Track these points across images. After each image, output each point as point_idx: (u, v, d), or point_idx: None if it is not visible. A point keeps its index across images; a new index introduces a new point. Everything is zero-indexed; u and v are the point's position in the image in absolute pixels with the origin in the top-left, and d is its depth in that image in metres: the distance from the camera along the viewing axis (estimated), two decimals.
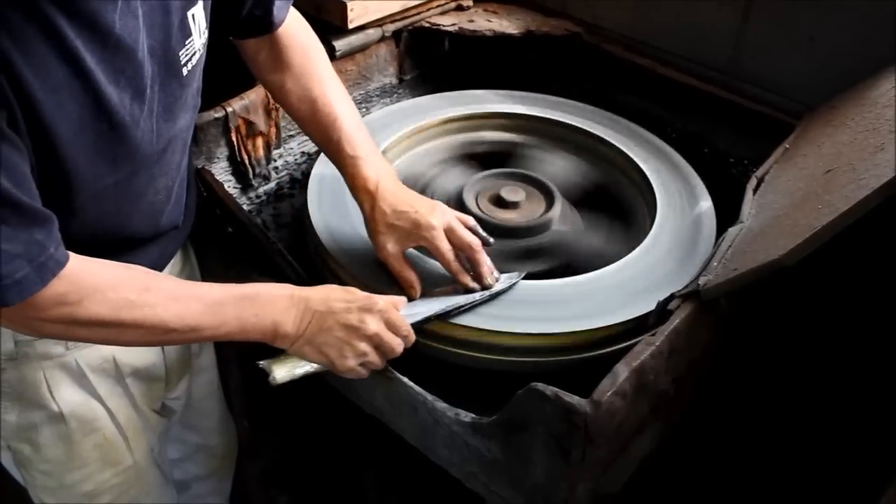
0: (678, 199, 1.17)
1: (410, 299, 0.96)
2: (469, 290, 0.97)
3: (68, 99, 0.73)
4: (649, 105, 1.42)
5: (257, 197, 1.33)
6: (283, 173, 1.37)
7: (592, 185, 1.26)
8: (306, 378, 0.89)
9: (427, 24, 1.49)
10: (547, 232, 1.15)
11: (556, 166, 1.29)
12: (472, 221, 1.01)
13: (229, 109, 1.23)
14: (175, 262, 1.10)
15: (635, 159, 1.24)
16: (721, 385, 1.12)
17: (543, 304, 0.99)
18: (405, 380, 0.90)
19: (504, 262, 1.05)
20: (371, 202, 0.98)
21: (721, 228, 1.09)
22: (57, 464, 1.05)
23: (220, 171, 1.27)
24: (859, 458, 1.14)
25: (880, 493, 0.87)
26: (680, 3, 1.37)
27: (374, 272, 1.02)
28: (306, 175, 1.23)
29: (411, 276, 0.98)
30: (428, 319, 0.93)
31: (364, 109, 1.47)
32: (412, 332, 0.90)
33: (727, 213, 1.07)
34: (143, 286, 0.82)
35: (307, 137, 1.38)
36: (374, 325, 0.87)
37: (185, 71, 0.88)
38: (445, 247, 0.96)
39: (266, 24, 1.02)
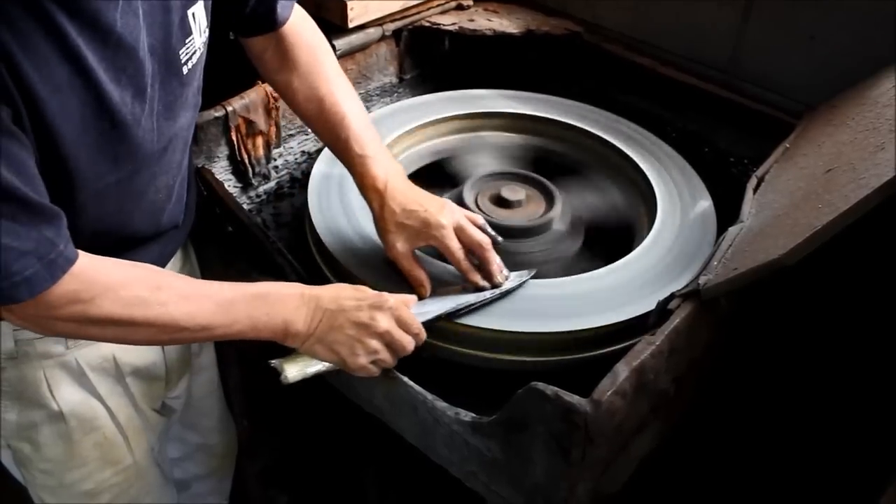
0: (678, 198, 1.17)
1: (420, 298, 0.96)
2: (479, 289, 0.97)
3: (70, 97, 0.73)
4: (649, 104, 1.42)
5: (257, 196, 1.33)
6: (283, 172, 1.37)
7: (592, 185, 1.26)
8: (317, 377, 0.89)
9: (427, 24, 1.49)
10: (547, 231, 1.15)
11: (556, 166, 1.29)
12: (481, 220, 1.01)
13: (229, 108, 1.23)
14: (175, 262, 1.10)
15: (635, 159, 1.24)
16: (721, 385, 1.12)
17: (543, 302, 0.99)
18: (405, 379, 0.90)
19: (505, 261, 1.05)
20: (380, 201, 0.98)
21: (721, 228, 1.09)
22: (57, 463, 1.05)
23: (220, 171, 1.27)
24: (859, 457, 1.14)
25: (880, 493, 0.87)
26: (680, 2, 1.37)
27: (374, 271, 1.02)
28: (306, 174, 1.23)
29: (421, 275, 0.98)
30: (438, 318, 0.93)
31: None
32: (423, 330, 0.90)
33: (727, 213, 1.07)
34: (154, 284, 0.82)
35: (307, 136, 1.38)
36: (385, 322, 0.87)
37: (185, 69, 0.88)
38: (455, 246, 0.96)
39: (270, 22, 1.01)
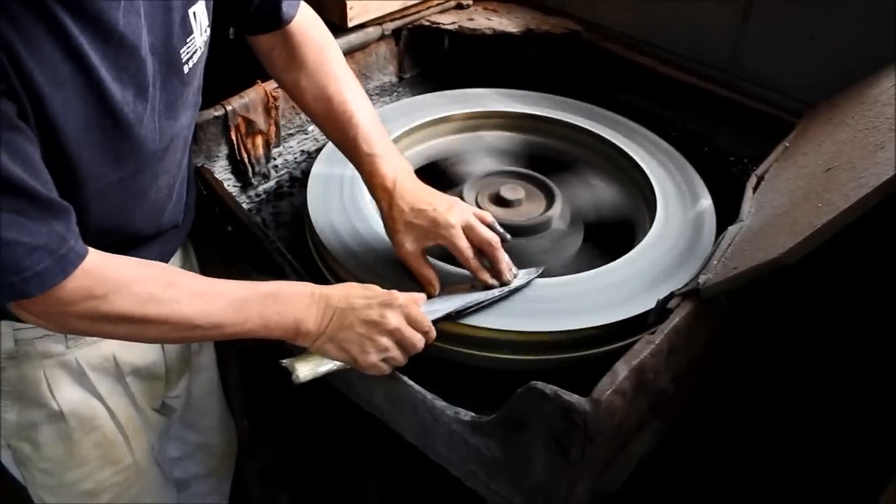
0: (678, 197, 1.17)
1: (430, 297, 0.96)
2: (488, 287, 0.97)
3: (73, 95, 0.73)
4: (649, 104, 1.42)
5: (257, 195, 1.33)
6: (282, 172, 1.37)
7: (592, 184, 1.26)
8: (329, 376, 0.89)
9: (427, 23, 1.49)
10: (548, 230, 1.15)
11: (556, 165, 1.29)
12: (489, 218, 1.01)
13: (229, 108, 1.23)
14: (175, 261, 1.10)
15: (635, 158, 1.24)
16: (721, 384, 1.12)
17: (543, 301, 0.99)
18: (405, 378, 0.90)
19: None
20: (389, 200, 0.98)
21: (721, 227, 1.09)
22: (57, 462, 1.05)
23: (220, 170, 1.27)
24: (859, 457, 1.13)
25: (880, 493, 0.87)
26: (680, 1, 1.37)
27: (373, 271, 1.02)
28: (306, 173, 1.23)
29: (430, 274, 0.98)
30: (448, 316, 0.94)
31: None
32: (433, 327, 0.90)
33: (727, 212, 1.07)
34: (166, 282, 0.82)
35: (307, 136, 1.38)
36: (395, 319, 0.87)
37: (186, 69, 0.88)
38: (464, 245, 0.96)
39: (276, 20, 1.01)
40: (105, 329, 0.81)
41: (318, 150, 1.26)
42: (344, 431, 1.42)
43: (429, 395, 0.88)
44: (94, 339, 1.00)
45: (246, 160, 1.29)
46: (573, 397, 0.75)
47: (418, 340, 0.89)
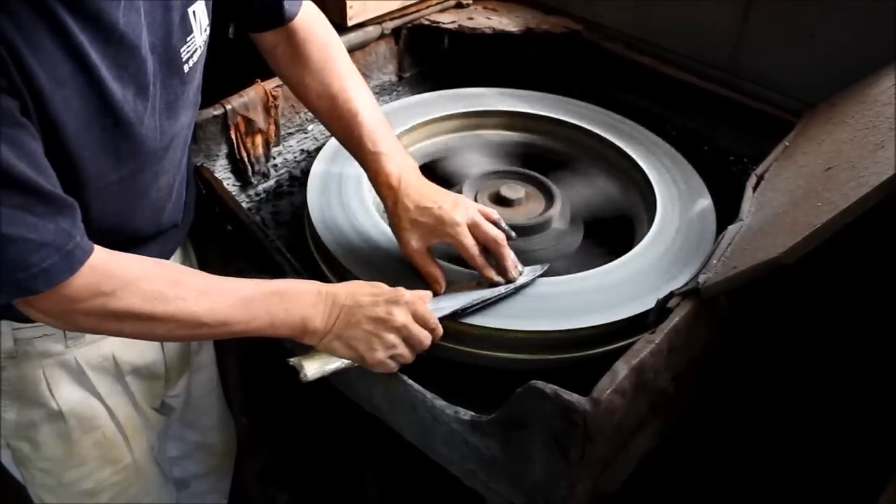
0: (678, 196, 1.17)
1: (435, 294, 0.96)
2: (493, 285, 0.97)
3: (74, 94, 0.73)
4: (649, 103, 1.42)
5: (256, 195, 1.33)
6: (282, 171, 1.37)
7: (592, 183, 1.26)
8: (336, 374, 0.89)
9: (426, 22, 1.49)
10: (548, 229, 1.15)
11: (556, 164, 1.28)
12: (495, 215, 1.01)
13: (228, 107, 1.23)
14: (174, 260, 1.09)
15: (635, 157, 1.24)
16: (721, 383, 1.12)
17: (543, 301, 0.99)
18: (404, 378, 0.90)
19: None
20: (394, 198, 0.98)
21: (721, 226, 1.09)
22: (56, 462, 1.05)
23: (220, 169, 1.27)
24: (859, 457, 1.13)
25: (880, 492, 0.87)
26: (680, 1, 1.37)
27: (373, 270, 1.02)
28: (305, 173, 1.23)
29: (436, 272, 0.98)
30: (454, 314, 0.94)
31: None
32: (439, 325, 0.91)
33: (727, 211, 1.07)
34: (173, 279, 0.82)
35: (306, 135, 1.38)
36: (401, 316, 0.87)
37: (186, 68, 0.88)
38: (469, 242, 0.96)
39: (278, 17, 1.01)
40: (112, 326, 0.81)
41: (318, 150, 1.26)
42: (344, 430, 1.42)
43: (428, 395, 0.88)
44: (94, 338, 1.01)
45: (245, 159, 1.29)
46: (573, 397, 0.75)
47: (425, 337, 0.89)
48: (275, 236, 1.10)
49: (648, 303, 0.95)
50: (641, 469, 0.95)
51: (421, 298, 0.91)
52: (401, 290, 0.90)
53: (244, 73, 1.22)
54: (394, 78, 1.54)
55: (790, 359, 1.19)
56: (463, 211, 0.97)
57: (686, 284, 0.93)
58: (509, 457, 0.84)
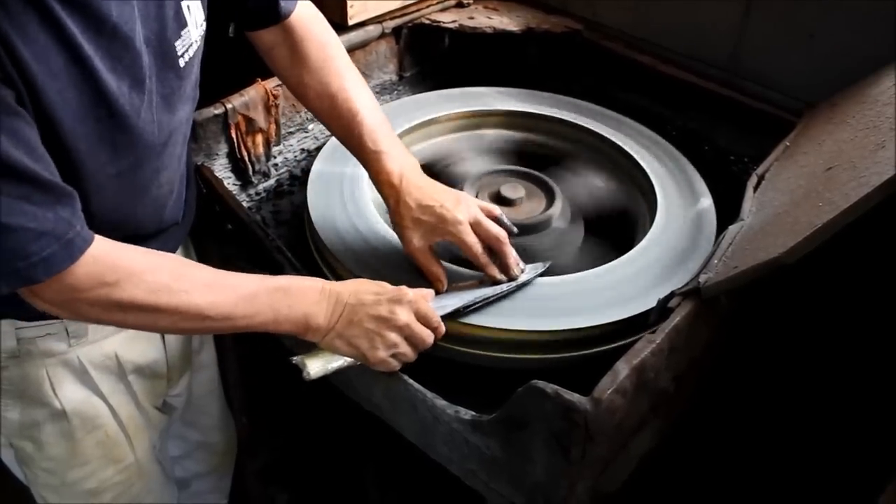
0: (678, 196, 1.17)
1: (438, 293, 0.96)
2: (496, 283, 0.98)
3: (68, 85, 0.73)
4: (650, 102, 1.42)
5: (257, 194, 1.33)
6: (282, 170, 1.37)
7: (592, 182, 1.26)
8: (339, 373, 0.89)
9: (427, 21, 1.49)
10: (549, 228, 1.15)
11: (556, 164, 1.29)
12: (497, 211, 1.01)
13: (229, 106, 1.23)
14: None
15: (635, 157, 1.24)
16: (721, 383, 1.12)
17: (543, 300, 0.99)
18: (405, 377, 0.90)
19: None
20: (396, 197, 0.98)
21: (721, 226, 1.09)
22: (59, 461, 1.05)
23: (220, 168, 1.27)
24: (859, 457, 1.14)
25: (879, 492, 0.87)
26: (680, 1, 1.37)
27: (373, 269, 1.02)
28: (306, 172, 1.23)
29: (438, 271, 0.98)
30: (457, 312, 0.94)
31: None
32: (442, 323, 0.91)
33: (728, 211, 1.07)
34: (178, 272, 0.82)
35: (307, 134, 1.38)
36: (404, 315, 0.87)
37: (181, 62, 0.88)
38: (472, 240, 0.96)
39: (274, 15, 1.01)
40: (116, 317, 0.81)
41: (319, 149, 1.26)
42: (344, 430, 1.42)
43: (429, 394, 0.88)
44: (97, 337, 1.01)
45: (246, 158, 1.29)
46: (574, 396, 0.75)
47: (427, 336, 0.89)
48: (275, 235, 1.10)
49: (649, 302, 0.95)
50: (642, 469, 0.96)
51: (423, 297, 0.91)
52: (404, 288, 0.90)
53: (245, 72, 1.22)
54: (394, 77, 1.54)
55: (791, 359, 1.19)
56: (465, 209, 0.97)
57: (687, 284, 0.93)
58: (510, 456, 0.84)
